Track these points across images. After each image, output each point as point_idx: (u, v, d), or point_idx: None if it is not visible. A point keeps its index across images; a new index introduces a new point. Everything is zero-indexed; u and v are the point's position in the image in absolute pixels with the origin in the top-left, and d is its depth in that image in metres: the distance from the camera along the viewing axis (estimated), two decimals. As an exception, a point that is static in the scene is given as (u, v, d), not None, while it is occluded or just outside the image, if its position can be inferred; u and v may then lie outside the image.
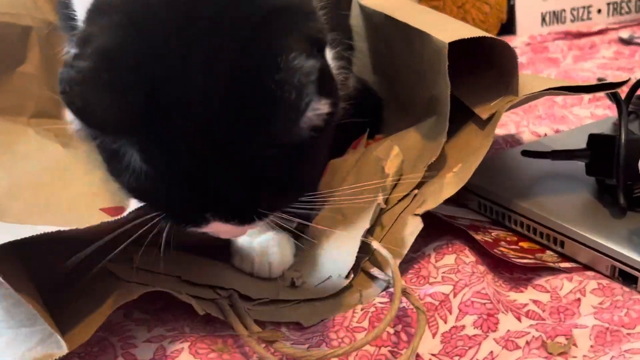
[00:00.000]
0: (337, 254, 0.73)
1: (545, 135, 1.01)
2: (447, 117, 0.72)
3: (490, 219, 0.82)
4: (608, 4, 1.55)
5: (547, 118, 1.08)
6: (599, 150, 0.78)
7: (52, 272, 0.65)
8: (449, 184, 0.72)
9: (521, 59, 1.37)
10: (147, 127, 0.50)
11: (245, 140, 0.50)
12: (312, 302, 0.69)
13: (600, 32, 1.52)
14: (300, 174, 0.55)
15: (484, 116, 0.74)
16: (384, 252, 0.68)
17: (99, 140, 0.54)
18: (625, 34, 1.48)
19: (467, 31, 0.72)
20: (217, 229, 0.56)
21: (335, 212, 0.76)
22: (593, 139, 0.79)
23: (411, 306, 0.64)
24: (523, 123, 1.07)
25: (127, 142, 0.52)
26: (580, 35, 1.50)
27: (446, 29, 0.75)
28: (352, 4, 0.97)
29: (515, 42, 1.45)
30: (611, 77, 1.27)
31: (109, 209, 0.87)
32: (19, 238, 0.55)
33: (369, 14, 0.93)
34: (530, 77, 0.78)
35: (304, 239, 0.73)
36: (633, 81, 0.81)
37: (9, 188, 0.87)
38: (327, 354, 0.56)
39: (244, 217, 0.55)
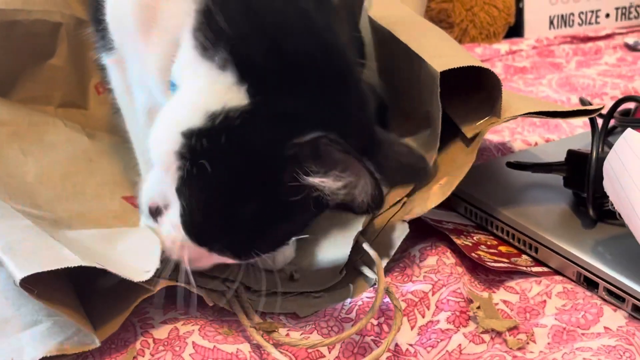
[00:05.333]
0: (332, 252, 0.85)
1: (536, 144, 1.12)
2: (439, 135, 0.83)
3: (474, 223, 0.93)
4: (616, 9, 1.64)
5: (542, 126, 1.19)
6: (575, 165, 0.89)
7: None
8: (435, 195, 0.83)
9: (525, 63, 1.47)
10: None
11: None
12: (307, 295, 0.81)
13: (607, 36, 1.61)
14: None
15: (469, 135, 0.85)
16: (372, 252, 0.80)
17: None
18: (631, 39, 1.57)
19: (458, 59, 0.83)
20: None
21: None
22: (570, 154, 0.90)
23: (386, 299, 0.75)
24: (517, 130, 1.17)
25: None
26: (586, 39, 1.59)
27: (441, 55, 0.85)
28: (362, 14, 1.08)
29: (522, 45, 1.55)
30: (610, 84, 1.36)
31: (131, 198, 0.99)
32: (65, 266, 0.65)
33: (376, 28, 1.04)
34: (515, 98, 0.88)
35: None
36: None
37: (39, 176, 0.99)
38: (317, 343, 0.68)
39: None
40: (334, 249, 0.85)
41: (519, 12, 1.59)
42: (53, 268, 0.64)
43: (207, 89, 0.65)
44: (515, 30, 1.60)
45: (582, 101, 1.25)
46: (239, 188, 0.65)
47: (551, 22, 1.60)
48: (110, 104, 1.18)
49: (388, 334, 0.74)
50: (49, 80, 1.17)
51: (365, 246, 0.82)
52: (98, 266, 0.66)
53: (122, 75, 0.85)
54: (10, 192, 0.89)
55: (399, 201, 0.87)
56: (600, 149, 0.86)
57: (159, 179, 0.70)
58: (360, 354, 0.72)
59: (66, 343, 0.67)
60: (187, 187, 0.66)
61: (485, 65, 0.84)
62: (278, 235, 0.70)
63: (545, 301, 0.79)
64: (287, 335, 0.73)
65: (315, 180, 0.62)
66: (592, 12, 1.62)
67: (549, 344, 0.73)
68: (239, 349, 0.70)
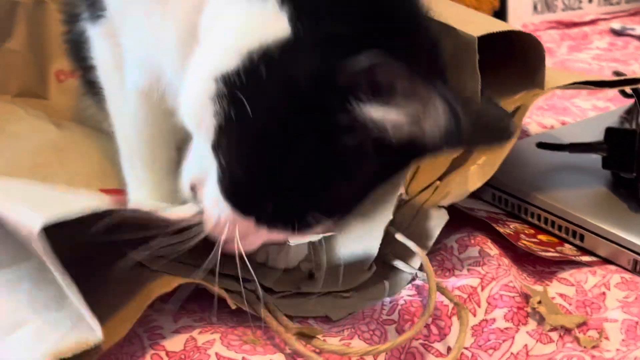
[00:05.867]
0: (356, 246, 0.74)
1: (552, 127, 1.03)
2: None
3: (505, 211, 0.84)
4: (599, -6, 1.58)
5: (549, 109, 1.11)
6: (616, 144, 0.80)
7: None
8: (474, 176, 0.74)
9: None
10: None
11: None
12: (336, 295, 0.70)
13: (591, 22, 1.55)
14: None
15: (510, 109, 0.75)
16: (411, 244, 0.70)
17: None
18: (617, 24, 1.51)
19: (493, 25, 0.73)
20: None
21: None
22: (611, 132, 0.81)
23: (439, 298, 0.66)
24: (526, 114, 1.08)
25: None
26: (571, 24, 1.53)
27: (471, 22, 0.76)
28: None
29: (508, 30, 1.47)
30: (607, 68, 1.30)
31: (110, 191, 0.87)
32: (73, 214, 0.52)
33: None
34: (551, 71, 0.79)
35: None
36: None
37: (4, 168, 0.86)
38: (369, 350, 0.58)
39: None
40: (355, 242, 0.75)
41: (503, -3, 1.51)
42: (85, 213, 0.51)
43: (242, 25, 0.54)
44: (499, 16, 1.52)
45: (617, 73, 1.17)
46: (285, 133, 0.53)
47: (535, 7, 1.53)
48: (75, 89, 1.06)
49: (438, 336, 0.64)
50: (4, 66, 1.04)
51: (400, 237, 0.71)
52: (132, 212, 0.55)
53: (112, 50, 0.73)
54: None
55: (429, 185, 0.77)
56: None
57: (200, 149, 0.59)
58: (409, 360, 0.62)
59: (62, 343, 0.53)
60: (226, 136, 0.55)
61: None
62: (337, 196, 0.56)
63: (604, 293, 0.70)
64: (325, 341, 0.62)
65: (373, 112, 0.50)
66: (575, -3, 1.57)
67: (623, 340, 0.64)
68: (272, 359, 0.59)
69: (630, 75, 0.81)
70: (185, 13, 0.59)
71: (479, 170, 0.74)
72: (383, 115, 0.50)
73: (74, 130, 0.98)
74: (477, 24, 0.75)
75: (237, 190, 0.57)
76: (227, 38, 0.55)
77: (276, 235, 0.59)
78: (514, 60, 0.78)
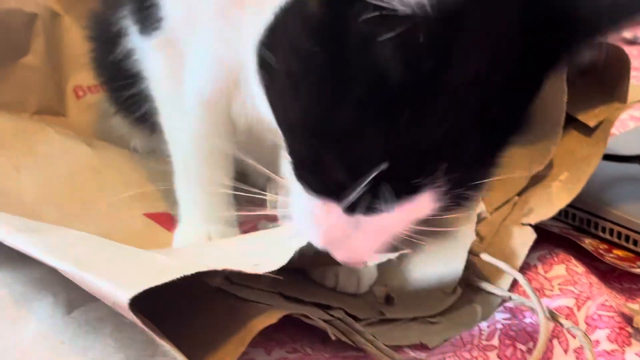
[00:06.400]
0: (436, 267, 0.71)
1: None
2: (562, 124, 0.71)
3: (572, 226, 0.81)
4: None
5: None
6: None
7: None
8: (560, 193, 0.72)
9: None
10: None
11: None
12: (423, 321, 0.67)
13: (601, 31, 1.54)
14: None
15: (592, 123, 0.74)
16: (503, 265, 0.67)
17: None
18: (628, 33, 1.51)
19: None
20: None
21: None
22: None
23: (527, 320, 0.63)
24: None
25: None
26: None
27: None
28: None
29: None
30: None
31: (156, 215, 0.82)
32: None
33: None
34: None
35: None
36: None
37: (39, 194, 0.81)
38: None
39: None
40: (435, 263, 0.72)
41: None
42: (167, 280, 0.47)
43: None
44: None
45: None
46: (313, 69, 0.46)
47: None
48: (94, 105, 1.02)
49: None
50: (22, 82, 0.99)
51: (487, 257, 0.68)
52: (219, 268, 0.51)
53: (169, 61, 0.70)
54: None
55: (507, 201, 0.74)
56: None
57: None
58: (516, 388, 0.59)
59: None
60: (270, 101, 0.50)
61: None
62: (413, 137, 0.44)
63: (701, 310, 0.68)
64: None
65: None
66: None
67: None
68: (382, 393, 0.56)
69: None
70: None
71: (563, 187, 0.72)
72: None
73: (107, 150, 0.93)
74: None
75: (300, 160, 0.49)
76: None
77: (384, 231, 0.49)
78: (586, 72, 0.76)
